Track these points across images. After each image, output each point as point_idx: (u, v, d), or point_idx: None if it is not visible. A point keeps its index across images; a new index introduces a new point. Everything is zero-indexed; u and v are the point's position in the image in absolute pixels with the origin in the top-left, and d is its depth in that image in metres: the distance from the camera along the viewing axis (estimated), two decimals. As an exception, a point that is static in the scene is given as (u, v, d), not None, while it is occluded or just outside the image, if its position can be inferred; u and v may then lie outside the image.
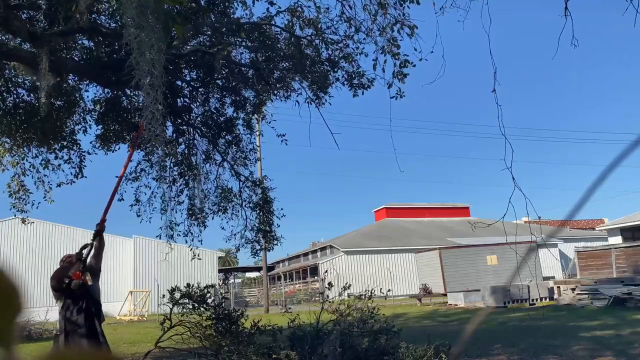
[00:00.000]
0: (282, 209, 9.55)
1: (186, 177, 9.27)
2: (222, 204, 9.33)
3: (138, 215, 8.94)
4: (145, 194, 9.12)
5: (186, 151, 9.28)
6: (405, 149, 48.68)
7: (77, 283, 4.69)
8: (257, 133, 10.55)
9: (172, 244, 9.55)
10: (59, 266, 5.14)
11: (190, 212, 9.31)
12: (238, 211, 9.39)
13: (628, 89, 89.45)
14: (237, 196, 9.43)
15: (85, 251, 5.00)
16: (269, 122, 9.50)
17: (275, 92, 8.49)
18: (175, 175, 9.33)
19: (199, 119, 9.04)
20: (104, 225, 5.25)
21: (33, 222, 11.99)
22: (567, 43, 5.41)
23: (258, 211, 9.52)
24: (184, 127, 8.97)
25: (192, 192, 9.36)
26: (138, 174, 9.14)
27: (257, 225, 9.46)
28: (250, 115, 9.23)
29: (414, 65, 7.60)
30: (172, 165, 9.26)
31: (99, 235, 5.16)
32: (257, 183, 9.68)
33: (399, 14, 7.33)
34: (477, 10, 5.47)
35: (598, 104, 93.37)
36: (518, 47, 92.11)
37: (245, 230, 9.36)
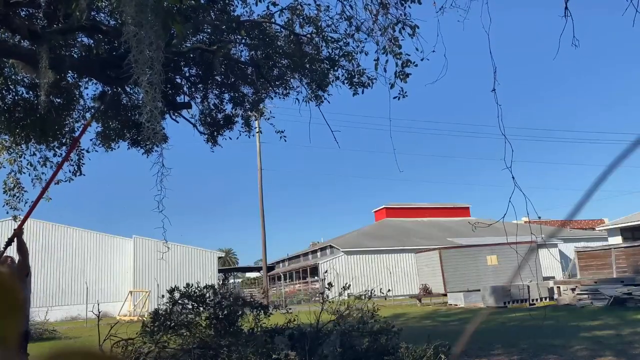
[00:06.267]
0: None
1: None
2: None
3: None
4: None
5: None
6: (405, 149, 48.69)
7: None
8: (257, 130, 10.41)
9: (169, 243, 9.31)
10: None
11: None
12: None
13: (630, 88, 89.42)
14: None
15: None
16: (268, 119, 9.47)
17: (275, 89, 8.40)
18: None
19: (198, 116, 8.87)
20: (20, 231, 5.30)
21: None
22: (568, 43, 5.39)
23: None
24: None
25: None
26: None
27: None
28: (249, 112, 9.14)
29: (416, 65, 7.56)
30: None
31: (11, 242, 5.20)
32: None
33: (400, 13, 7.30)
34: (477, 10, 5.45)
35: (596, 104, 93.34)
36: (519, 47, 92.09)
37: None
